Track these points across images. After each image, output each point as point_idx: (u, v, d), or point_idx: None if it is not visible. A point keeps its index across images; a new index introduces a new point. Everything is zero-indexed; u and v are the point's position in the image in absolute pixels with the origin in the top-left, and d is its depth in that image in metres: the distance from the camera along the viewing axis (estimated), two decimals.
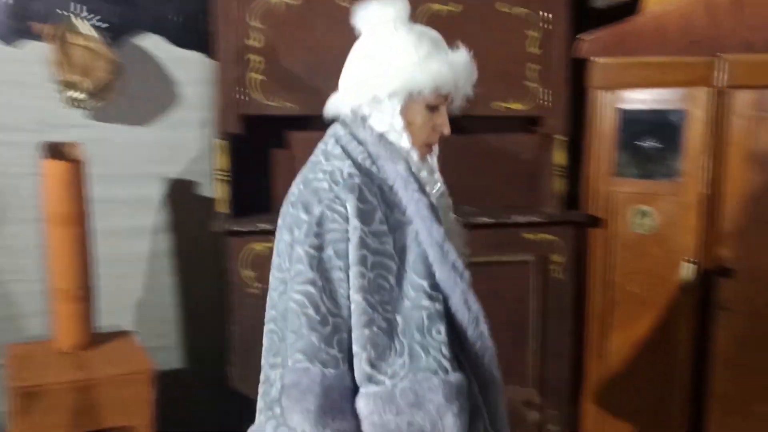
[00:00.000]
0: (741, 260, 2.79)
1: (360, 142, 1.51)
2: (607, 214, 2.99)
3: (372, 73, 1.50)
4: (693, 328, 2.88)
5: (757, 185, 2.74)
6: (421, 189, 1.50)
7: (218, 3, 2.66)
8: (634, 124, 2.92)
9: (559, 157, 2.98)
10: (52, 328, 2.61)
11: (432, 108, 1.52)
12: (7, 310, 2.86)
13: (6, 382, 2.46)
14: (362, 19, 1.55)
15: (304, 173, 1.54)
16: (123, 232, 2.95)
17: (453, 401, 1.42)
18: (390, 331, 1.43)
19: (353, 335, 1.41)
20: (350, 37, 1.58)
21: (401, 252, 1.47)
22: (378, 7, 1.53)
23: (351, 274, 1.42)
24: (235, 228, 2.67)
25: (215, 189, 2.79)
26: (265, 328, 1.55)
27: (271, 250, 1.57)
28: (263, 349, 1.56)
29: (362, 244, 1.41)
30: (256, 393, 1.58)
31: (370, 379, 1.41)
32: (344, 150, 1.50)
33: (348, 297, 1.42)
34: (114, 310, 2.89)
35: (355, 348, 1.41)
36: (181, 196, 3.04)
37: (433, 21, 2.67)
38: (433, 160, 1.61)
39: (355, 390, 1.42)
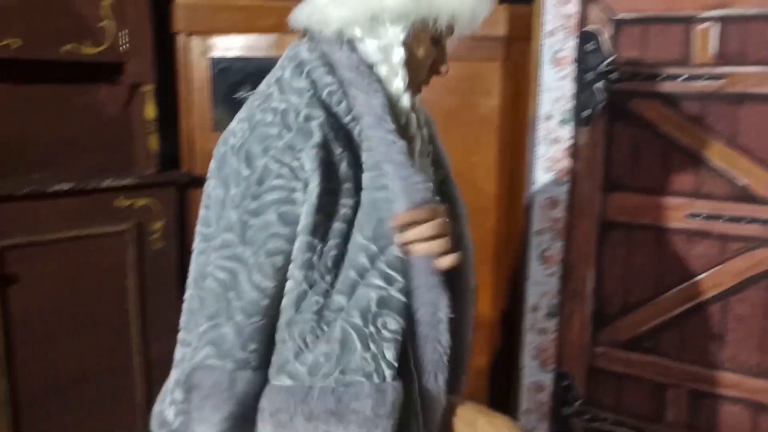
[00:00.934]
0: None
1: (331, 68, 1.13)
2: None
3: None
4: None
5: None
6: (398, 132, 1.11)
7: None
8: (229, 73, 2.70)
9: (150, 111, 2.61)
10: None
11: (436, 41, 1.19)
12: None
13: None
14: None
15: (251, 109, 1.13)
16: None
17: (383, 418, 1.06)
18: (322, 312, 1.07)
19: (281, 318, 1.08)
20: None
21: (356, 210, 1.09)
22: None
23: (296, 244, 1.06)
24: None
25: None
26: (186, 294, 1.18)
27: None
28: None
29: (317, 208, 1.05)
30: None
31: (284, 370, 1.07)
32: (308, 79, 1.12)
33: (285, 273, 1.07)
34: None
35: (280, 334, 1.08)
36: None
37: None
38: (422, 112, 1.27)
39: None
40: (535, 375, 2.53)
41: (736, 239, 2.14)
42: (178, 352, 1.19)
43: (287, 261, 1.07)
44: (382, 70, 1.17)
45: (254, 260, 1.07)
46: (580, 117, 2.33)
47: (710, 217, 2.17)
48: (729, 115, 2.10)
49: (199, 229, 1.19)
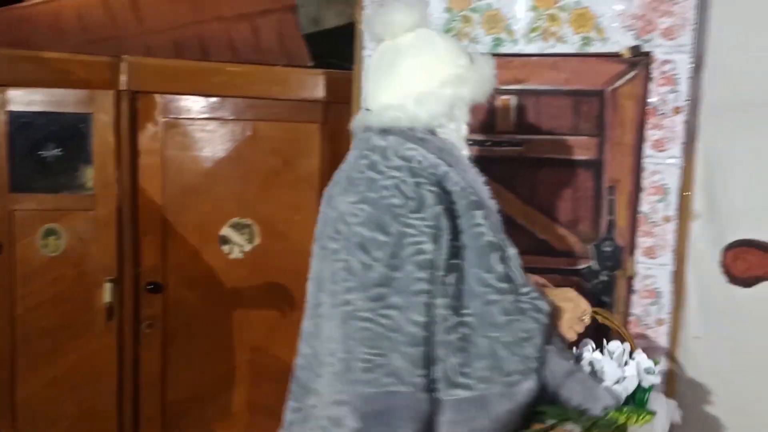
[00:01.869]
0: (166, 273, 2.68)
1: (411, 145, 1.45)
2: (7, 237, 2.49)
3: (447, 80, 1.49)
4: (124, 351, 2.65)
5: (171, 193, 2.67)
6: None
7: None
8: (31, 129, 2.51)
9: None
10: None
11: None
12: None
13: None
14: (384, 24, 1.51)
15: (358, 194, 1.42)
16: None
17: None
18: (465, 332, 1.39)
19: (436, 344, 1.36)
20: None
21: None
22: (403, 11, 1.50)
23: (435, 281, 1.37)
24: None
25: None
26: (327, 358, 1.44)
27: None
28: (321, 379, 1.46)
29: (444, 252, 1.38)
30: None
31: (455, 385, 1.36)
32: (397, 156, 1.43)
33: (430, 308, 1.36)
34: None
35: (439, 356, 1.36)
36: None
37: None
38: None
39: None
40: None
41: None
42: (335, 395, 1.41)
43: (431, 297, 1.36)
44: (458, 144, 1.53)
45: (406, 303, 1.34)
46: None
47: None
48: (528, 177, 2.34)
49: (340, 295, 1.41)
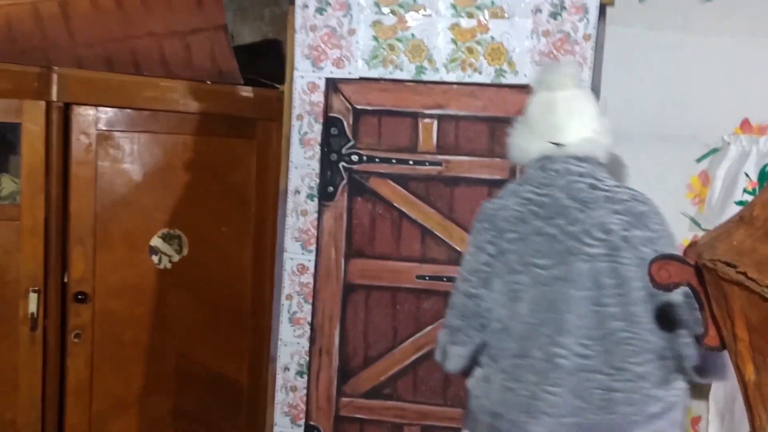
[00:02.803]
0: (95, 283, 2.70)
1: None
2: None
3: (605, 125, 1.92)
4: (48, 361, 2.64)
5: (103, 204, 2.70)
6: None
7: None
8: None
9: None
10: None
11: None
12: None
13: None
14: (560, 75, 1.95)
15: (618, 203, 1.81)
16: None
17: None
18: None
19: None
20: None
21: None
22: (569, 67, 2.07)
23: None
24: None
25: None
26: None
27: None
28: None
29: None
30: None
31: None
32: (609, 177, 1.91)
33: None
34: None
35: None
36: None
37: None
38: None
39: None
40: (286, 430, 2.70)
41: None
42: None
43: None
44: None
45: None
46: (326, 192, 2.62)
47: (434, 278, 2.60)
48: (447, 194, 2.57)
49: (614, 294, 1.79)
